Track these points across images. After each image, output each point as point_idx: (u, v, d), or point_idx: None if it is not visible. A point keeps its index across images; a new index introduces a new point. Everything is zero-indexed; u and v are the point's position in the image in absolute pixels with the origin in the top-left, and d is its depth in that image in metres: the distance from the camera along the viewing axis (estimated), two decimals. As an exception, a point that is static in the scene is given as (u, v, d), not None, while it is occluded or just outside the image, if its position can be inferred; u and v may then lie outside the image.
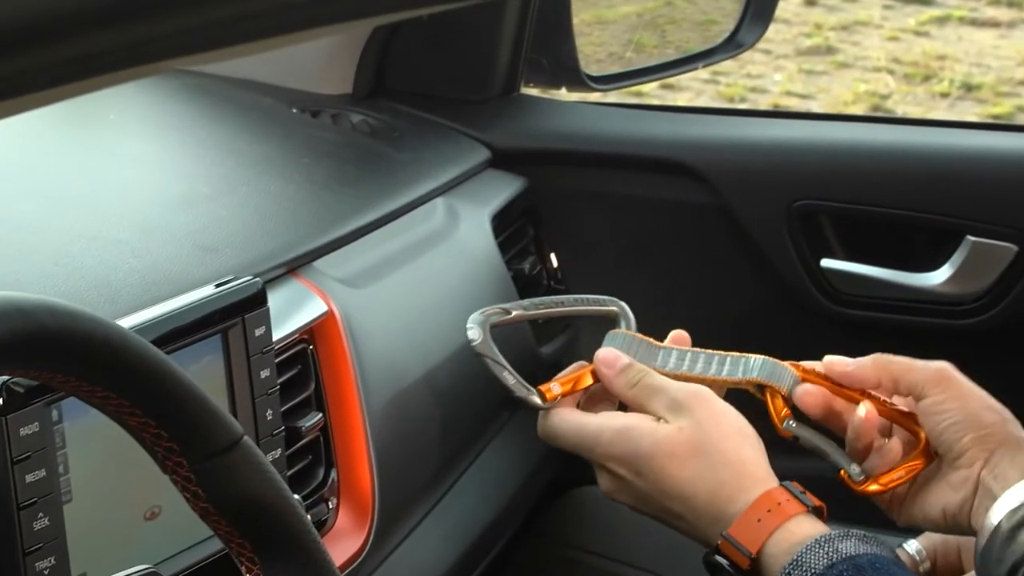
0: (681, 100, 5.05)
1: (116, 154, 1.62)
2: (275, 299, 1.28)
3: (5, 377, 1.03)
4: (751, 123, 2.04)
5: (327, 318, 1.36)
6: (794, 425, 1.31)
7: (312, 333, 1.35)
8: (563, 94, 1.98)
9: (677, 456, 1.24)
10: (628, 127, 1.91)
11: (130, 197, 1.48)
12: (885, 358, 1.29)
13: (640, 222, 1.88)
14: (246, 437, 0.94)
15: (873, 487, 1.27)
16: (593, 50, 2.12)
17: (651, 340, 1.38)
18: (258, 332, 1.24)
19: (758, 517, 1.20)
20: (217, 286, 1.23)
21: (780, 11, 2.13)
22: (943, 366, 1.27)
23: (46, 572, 1.06)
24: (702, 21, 2.25)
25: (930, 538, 1.32)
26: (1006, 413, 1.26)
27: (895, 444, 1.28)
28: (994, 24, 5.86)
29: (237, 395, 1.23)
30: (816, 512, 1.22)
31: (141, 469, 0.97)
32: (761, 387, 1.33)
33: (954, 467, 1.24)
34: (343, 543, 1.34)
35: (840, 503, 1.28)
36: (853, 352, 1.33)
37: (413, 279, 1.55)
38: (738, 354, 1.35)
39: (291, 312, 1.33)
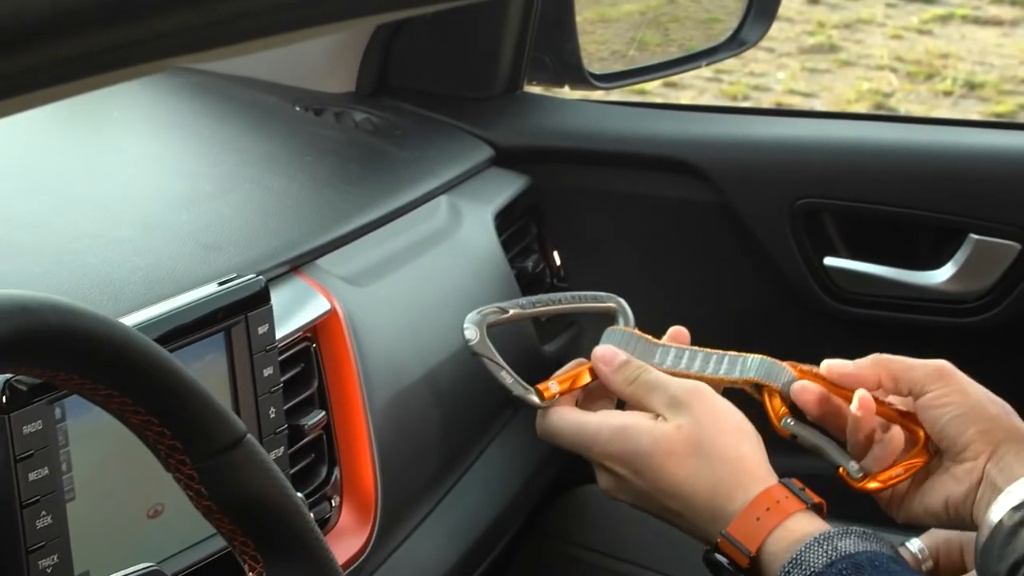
0: (684, 98, 5.05)
1: (119, 152, 1.62)
2: (278, 297, 1.28)
3: (8, 375, 1.03)
4: (754, 121, 2.03)
5: (330, 316, 1.36)
6: (792, 423, 1.31)
7: (315, 331, 1.35)
8: (566, 92, 1.98)
9: (676, 454, 1.24)
10: (631, 125, 1.91)
11: (133, 195, 1.48)
12: (884, 358, 1.29)
13: (643, 220, 1.88)
14: (249, 435, 0.94)
15: (872, 484, 1.27)
16: (596, 48, 2.13)
17: (649, 337, 1.38)
18: (261, 330, 1.24)
19: (757, 515, 1.20)
20: (220, 284, 1.23)
21: (783, 9, 2.13)
22: (942, 363, 1.28)
23: (49, 570, 1.06)
24: (705, 19, 2.25)
25: (933, 537, 1.32)
26: (1007, 406, 1.26)
27: (896, 433, 1.28)
28: (997, 22, 5.85)
29: (240, 393, 1.23)
30: (816, 509, 1.22)
31: (144, 467, 0.97)
32: (758, 387, 1.33)
33: (958, 460, 1.24)
34: (346, 541, 1.34)
35: (840, 500, 1.28)
36: (856, 350, 1.34)
37: (416, 277, 1.55)
38: (736, 353, 1.35)
39: (294, 310, 1.33)
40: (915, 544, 1.31)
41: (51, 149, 1.57)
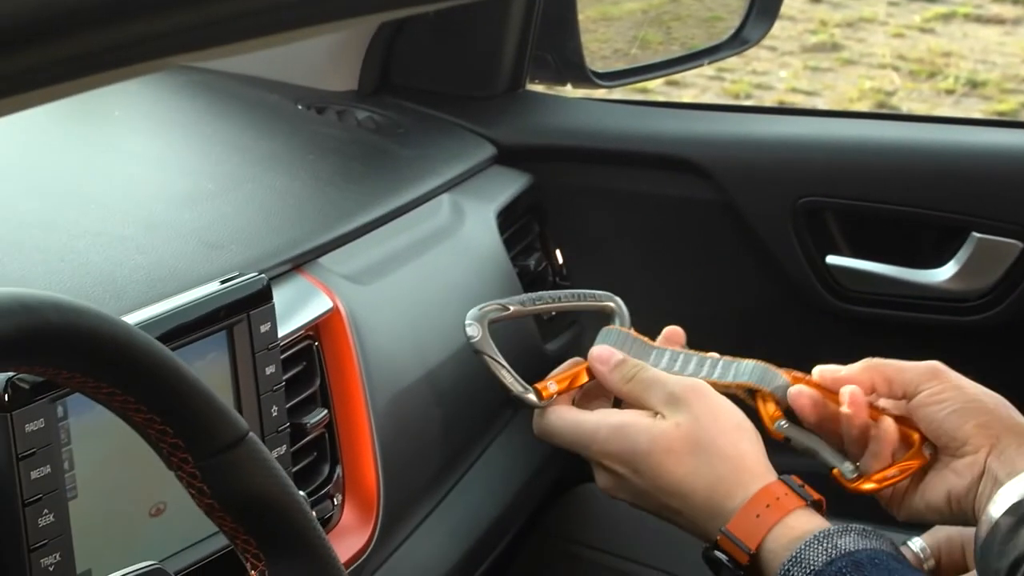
0: (686, 97, 5.05)
1: (121, 151, 1.62)
2: (280, 295, 1.28)
3: (10, 373, 1.03)
4: (756, 120, 2.03)
5: (332, 314, 1.36)
6: (785, 425, 1.30)
7: (317, 329, 1.35)
8: (568, 91, 1.98)
9: (674, 452, 1.23)
10: (633, 123, 1.91)
11: (135, 194, 1.48)
12: (876, 361, 1.29)
13: (645, 218, 1.88)
14: (251, 433, 0.94)
15: (867, 485, 1.27)
16: (598, 47, 2.13)
17: (645, 339, 1.38)
18: (263, 328, 1.24)
19: (757, 512, 1.20)
20: (222, 282, 1.23)
21: (785, 8, 2.13)
22: (934, 363, 1.28)
23: (51, 568, 1.06)
24: (707, 17, 2.25)
25: (934, 536, 1.32)
26: (1003, 399, 1.26)
27: (888, 424, 1.27)
28: (999, 21, 5.85)
29: (242, 391, 1.23)
30: (815, 506, 1.22)
31: (146, 465, 0.97)
32: (752, 391, 1.32)
33: (958, 455, 1.23)
34: (348, 539, 1.34)
35: (839, 498, 1.28)
36: (858, 349, 1.34)
37: (418, 275, 1.55)
38: (730, 358, 1.35)
39: (296, 308, 1.33)
40: (917, 543, 1.31)
41: (53, 148, 1.57)
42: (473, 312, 1.37)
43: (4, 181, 1.48)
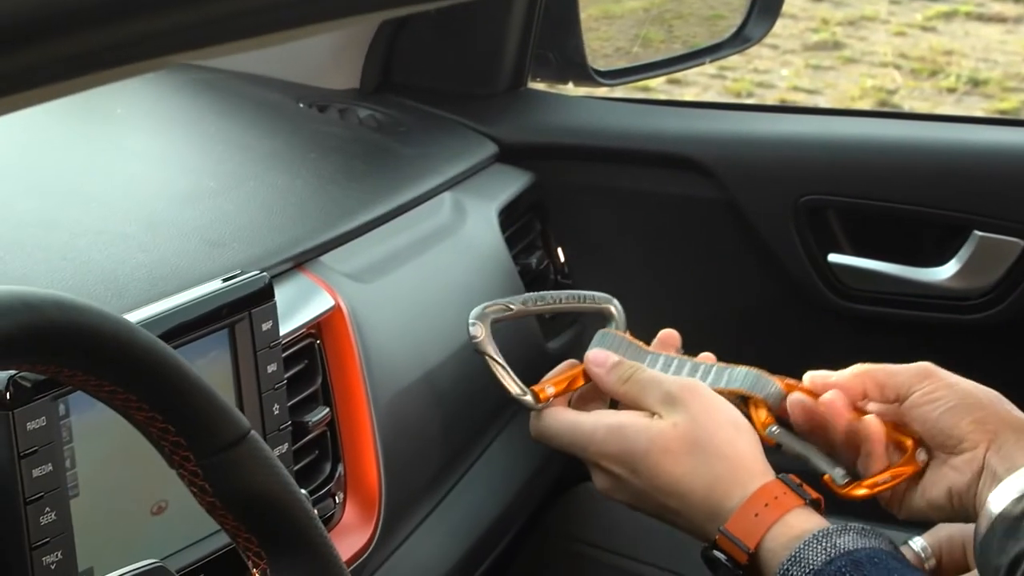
0: (688, 95, 5.05)
1: (123, 149, 1.62)
2: (282, 294, 1.28)
3: (12, 371, 1.03)
4: (758, 118, 2.03)
5: (334, 313, 1.36)
6: (777, 431, 1.30)
7: (319, 328, 1.35)
8: (570, 89, 1.98)
9: (672, 452, 1.23)
10: (635, 122, 1.91)
11: (137, 192, 1.48)
12: (866, 367, 1.29)
13: (647, 217, 1.88)
14: (253, 432, 0.94)
15: (859, 491, 1.26)
16: (600, 45, 2.13)
17: (639, 343, 1.38)
18: (265, 327, 1.24)
19: (755, 512, 1.19)
20: (224, 281, 1.23)
21: (787, 6, 2.13)
22: (924, 363, 1.27)
23: (53, 567, 1.06)
24: (709, 16, 2.25)
25: (935, 535, 1.31)
26: (996, 394, 1.25)
27: (872, 421, 1.26)
28: (1001, 19, 5.85)
29: (244, 390, 1.23)
30: (814, 505, 1.22)
31: (148, 464, 0.97)
32: (744, 398, 1.32)
33: (956, 451, 1.23)
34: (350, 538, 1.34)
35: (838, 497, 1.28)
36: (860, 347, 1.34)
37: (420, 274, 1.55)
38: (724, 364, 1.35)
39: (298, 307, 1.33)
40: (917, 543, 1.31)
41: (54, 146, 1.57)
42: (476, 311, 1.37)
43: (5, 179, 1.48)
